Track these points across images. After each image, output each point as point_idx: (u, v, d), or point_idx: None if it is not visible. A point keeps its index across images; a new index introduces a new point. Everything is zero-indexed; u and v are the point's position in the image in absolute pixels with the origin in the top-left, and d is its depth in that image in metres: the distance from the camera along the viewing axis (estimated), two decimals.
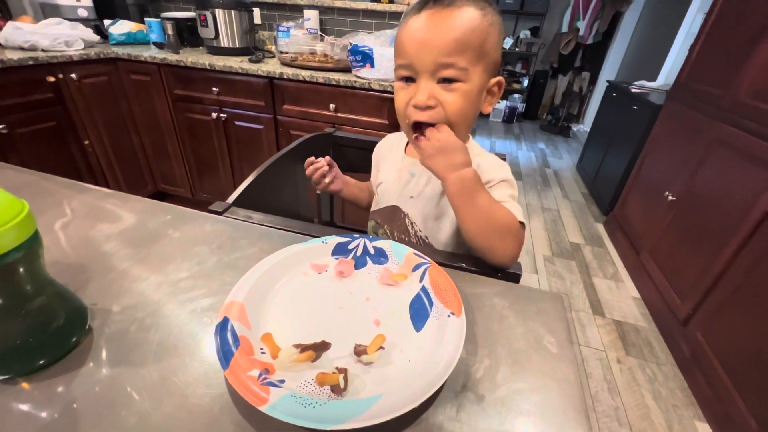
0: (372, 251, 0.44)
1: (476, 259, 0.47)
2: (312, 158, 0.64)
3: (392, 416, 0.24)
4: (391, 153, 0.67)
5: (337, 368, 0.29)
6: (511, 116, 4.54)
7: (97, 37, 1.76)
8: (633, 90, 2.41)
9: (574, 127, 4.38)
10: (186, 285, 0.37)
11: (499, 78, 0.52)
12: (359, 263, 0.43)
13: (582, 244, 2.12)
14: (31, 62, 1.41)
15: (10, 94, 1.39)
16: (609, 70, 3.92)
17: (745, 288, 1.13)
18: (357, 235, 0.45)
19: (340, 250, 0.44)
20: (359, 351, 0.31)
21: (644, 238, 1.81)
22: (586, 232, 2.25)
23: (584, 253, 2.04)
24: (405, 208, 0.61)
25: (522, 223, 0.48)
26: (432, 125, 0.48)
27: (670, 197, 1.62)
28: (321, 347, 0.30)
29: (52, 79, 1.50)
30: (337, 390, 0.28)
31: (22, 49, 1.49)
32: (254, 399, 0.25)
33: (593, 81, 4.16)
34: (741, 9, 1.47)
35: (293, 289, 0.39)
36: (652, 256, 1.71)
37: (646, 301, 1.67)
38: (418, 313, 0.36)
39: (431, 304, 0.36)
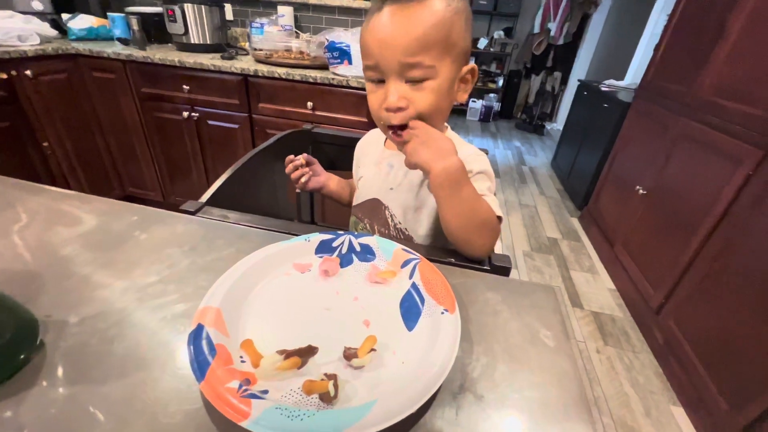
0: (358, 248, 0.42)
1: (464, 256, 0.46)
2: (291, 156, 0.62)
3: (388, 424, 0.22)
4: (371, 147, 0.66)
5: (325, 374, 0.27)
6: (487, 115, 4.62)
7: (54, 32, 1.65)
8: (603, 89, 2.49)
9: (548, 126, 4.50)
10: (155, 290, 0.34)
11: (472, 65, 0.51)
12: (345, 261, 0.41)
13: (559, 238, 2.17)
14: None
15: None
16: (579, 70, 4.05)
17: (713, 276, 1.19)
18: (342, 232, 0.43)
19: (324, 248, 0.42)
20: (349, 355, 0.29)
21: (617, 231, 1.87)
22: (562, 227, 2.31)
23: (561, 247, 2.09)
24: (385, 200, 0.60)
25: (499, 217, 0.48)
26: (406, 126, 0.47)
27: (641, 191, 1.68)
28: (307, 352, 0.28)
29: (4, 76, 1.39)
30: (327, 398, 0.25)
31: None
32: (234, 414, 0.23)
33: (565, 80, 4.29)
34: (701, 9, 1.54)
35: (274, 291, 0.36)
36: (625, 248, 1.77)
37: (621, 291, 1.72)
38: (410, 311, 0.34)
39: (423, 301, 0.35)
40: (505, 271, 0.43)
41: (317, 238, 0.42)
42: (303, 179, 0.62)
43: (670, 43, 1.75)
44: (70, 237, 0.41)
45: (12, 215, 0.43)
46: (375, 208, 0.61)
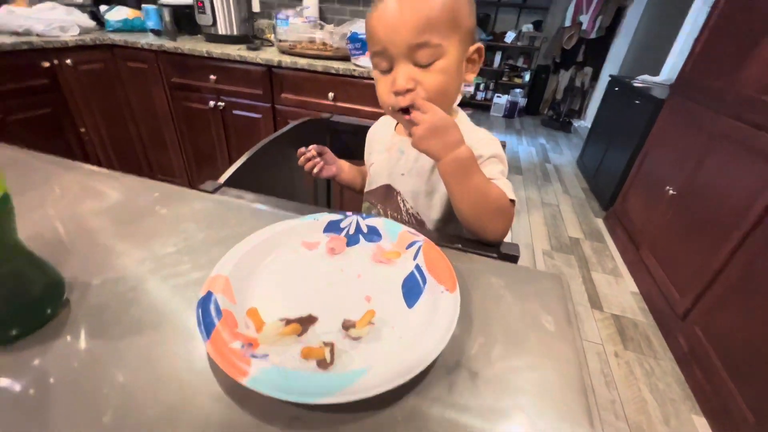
0: (365, 229, 0.43)
1: (473, 241, 0.46)
2: (302, 149, 0.63)
3: (380, 390, 0.23)
4: (381, 133, 0.66)
5: (323, 342, 0.28)
6: (512, 111, 4.51)
7: (92, 23, 1.73)
8: (635, 84, 2.38)
9: (576, 123, 4.35)
10: (171, 260, 0.36)
11: (478, 45, 0.50)
12: (352, 241, 0.42)
13: (581, 239, 2.11)
14: (25, 47, 1.39)
15: (4, 80, 1.37)
16: (611, 65, 3.88)
17: (745, 282, 1.12)
18: (350, 213, 0.44)
19: (332, 228, 0.43)
20: (348, 325, 0.30)
21: (644, 233, 1.79)
22: (585, 227, 2.24)
23: (583, 248, 2.03)
24: (397, 186, 0.60)
25: (512, 200, 0.48)
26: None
27: (671, 192, 1.60)
28: (307, 321, 0.29)
29: (47, 64, 1.48)
30: (323, 364, 0.27)
31: (16, 34, 1.46)
32: (234, 371, 0.24)
33: (595, 76, 4.13)
34: (747, 1, 1.44)
35: (282, 266, 0.37)
36: (651, 251, 1.70)
37: (645, 295, 1.66)
38: (411, 290, 0.35)
39: (425, 281, 0.35)
40: (513, 259, 0.42)
41: (326, 217, 0.43)
42: (315, 169, 0.63)
43: (711, 35, 1.65)
44: (98, 210, 0.43)
45: (48, 189, 0.47)
46: (387, 193, 0.62)
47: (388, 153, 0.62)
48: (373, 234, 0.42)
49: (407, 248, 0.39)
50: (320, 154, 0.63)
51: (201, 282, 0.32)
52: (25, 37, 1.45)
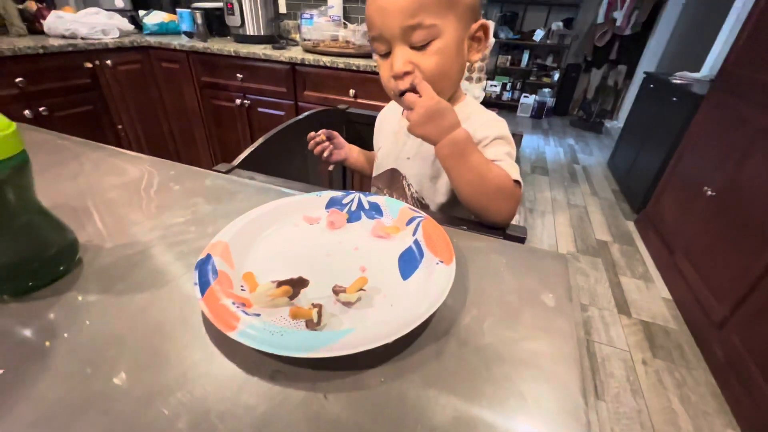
0: (366, 206, 0.43)
1: (479, 224, 0.45)
2: (312, 133, 0.64)
3: (363, 348, 0.23)
4: (389, 118, 0.67)
5: (312, 304, 0.28)
6: (540, 111, 4.38)
7: (131, 27, 1.84)
8: (673, 81, 2.26)
9: (608, 124, 4.17)
10: (178, 230, 0.38)
11: (482, 21, 0.49)
12: (353, 217, 0.42)
13: (610, 241, 2.02)
14: (70, 49, 1.50)
15: (51, 79, 1.48)
16: (647, 63, 3.69)
17: None
18: (353, 191, 0.44)
19: (333, 204, 0.43)
20: (338, 290, 0.30)
21: (679, 237, 1.69)
22: (614, 229, 2.14)
23: (612, 251, 1.94)
24: (403, 170, 0.60)
25: (517, 181, 0.46)
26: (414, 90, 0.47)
27: (709, 192, 1.50)
28: (299, 283, 0.30)
29: (89, 65, 1.59)
30: (311, 325, 0.27)
31: (63, 37, 1.58)
32: (223, 325, 0.25)
33: (629, 74, 3.94)
34: None
35: (282, 237, 0.38)
36: (686, 255, 1.60)
37: (678, 302, 1.56)
38: (408, 264, 0.34)
39: (422, 255, 0.35)
40: (520, 241, 0.41)
41: (328, 194, 0.44)
42: (325, 153, 0.64)
43: (757, 26, 1.54)
44: (118, 184, 0.46)
45: (75, 165, 0.50)
46: (393, 177, 0.61)
47: (395, 137, 0.62)
48: (375, 211, 0.43)
49: (407, 224, 0.39)
50: (329, 139, 0.64)
51: (203, 248, 0.33)
52: (70, 39, 1.56)
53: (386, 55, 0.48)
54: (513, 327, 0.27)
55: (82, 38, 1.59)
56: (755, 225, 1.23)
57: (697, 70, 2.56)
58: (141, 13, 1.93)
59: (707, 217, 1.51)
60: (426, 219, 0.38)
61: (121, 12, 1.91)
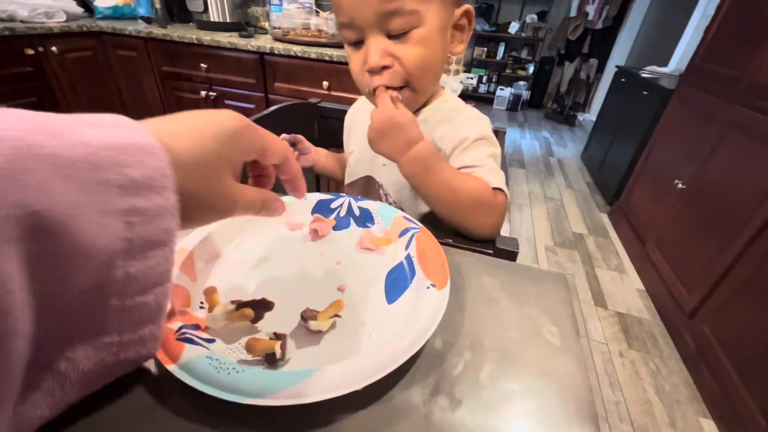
0: (357, 212, 0.38)
1: (467, 237, 0.40)
2: None
3: (318, 399, 0.19)
4: (360, 119, 0.60)
5: (275, 333, 0.23)
6: (515, 104, 4.42)
7: (80, 10, 1.68)
8: (643, 75, 2.31)
9: (580, 116, 4.26)
10: None
11: (466, 7, 0.43)
12: (342, 224, 0.38)
13: (585, 234, 2.05)
14: (7, 33, 1.34)
15: None
16: (618, 57, 3.78)
17: (757, 279, 1.07)
18: (343, 194, 0.40)
19: (321, 208, 0.39)
20: (308, 316, 0.25)
21: (651, 229, 1.73)
22: (590, 222, 2.18)
23: (587, 243, 1.97)
24: (378, 177, 0.54)
25: (499, 189, 0.42)
26: (397, 88, 0.42)
27: (679, 185, 1.54)
28: (261, 306, 0.25)
29: (31, 51, 1.43)
30: (272, 360, 0.22)
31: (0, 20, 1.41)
32: (163, 355, 0.21)
33: (601, 68, 4.03)
34: None
35: (257, 245, 0.34)
36: (658, 246, 1.64)
37: (651, 293, 1.60)
38: (396, 283, 0.30)
39: (413, 274, 0.30)
40: (511, 255, 0.37)
41: (315, 196, 0.39)
42: None
43: (724, 22, 1.58)
44: None
45: None
46: (368, 185, 0.56)
47: (367, 141, 0.56)
48: (366, 218, 0.38)
49: (400, 236, 0.35)
50: (294, 144, 0.57)
51: None
52: (8, 23, 1.39)
53: (358, 44, 0.41)
54: (515, 376, 0.23)
55: (22, 21, 1.43)
56: (723, 217, 1.26)
57: (665, 64, 2.63)
58: None
59: (678, 209, 1.55)
60: (421, 231, 0.34)
61: None
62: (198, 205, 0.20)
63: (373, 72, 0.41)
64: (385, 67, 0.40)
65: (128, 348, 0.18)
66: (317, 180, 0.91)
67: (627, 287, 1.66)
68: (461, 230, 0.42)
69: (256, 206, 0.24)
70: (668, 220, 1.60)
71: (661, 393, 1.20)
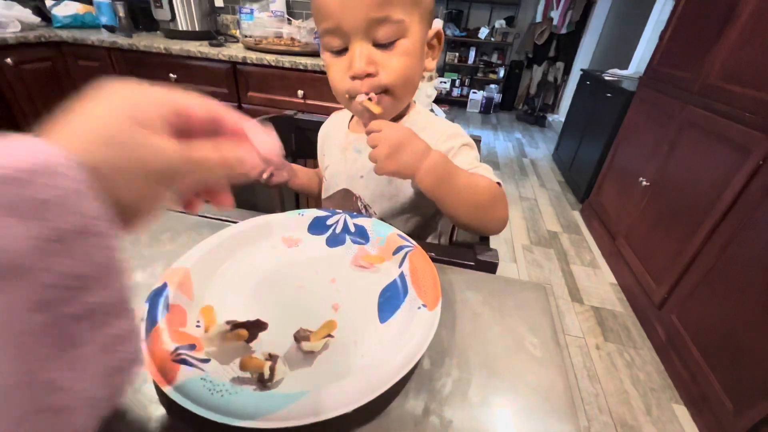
0: (352, 229, 0.39)
1: (446, 248, 0.41)
2: None
3: (308, 421, 0.19)
4: (334, 132, 0.60)
5: (269, 354, 0.24)
6: (488, 107, 4.54)
7: (37, 19, 1.60)
8: (606, 78, 2.42)
9: (550, 117, 4.42)
10: None
11: (437, 28, 0.45)
12: (337, 241, 0.38)
13: (560, 232, 2.12)
14: None
15: None
16: (582, 60, 3.96)
17: (718, 270, 1.14)
18: (339, 211, 0.41)
19: (317, 225, 0.39)
20: (301, 336, 0.26)
21: (619, 224, 1.82)
22: (563, 220, 2.26)
23: (562, 240, 2.04)
24: (356, 190, 0.54)
25: (498, 183, 0.44)
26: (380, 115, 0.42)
27: (644, 182, 1.62)
28: (255, 326, 0.25)
29: None
30: (261, 380, 0.23)
31: None
32: (159, 376, 0.21)
33: (567, 71, 4.20)
34: None
35: (253, 262, 0.34)
36: (627, 241, 1.72)
37: (623, 286, 1.68)
38: (389, 302, 0.31)
39: (405, 293, 0.31)
40: (491, 267, 0.38)
41: (312, 213, 0.40)
42: (264, 175, 0.56)
43: (676, 28, 1.68)
44: None
45: None
46: (346, 199, 0.56)
47: (343, 154, 0.56)
48: (361, 235, 0.39)
49: (394, 254, 0.35)
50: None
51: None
52: None
53: (341, 51, 0.41)
54: (502, 390, 0.24)
55: None
56: (685, 211, 1.34)
57: (626, 67, 2.77)
58: (49, 3, 1.68)
59: (643, 205, 1.63)
60: (415, 249, 0.34)
61: (23, 2, 1.64)
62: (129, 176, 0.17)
63: (356, 77, 0.41)
64: (368, 75, 0.40)
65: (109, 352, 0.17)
66: (296, 195, 0.91)
67: (600, 282, 1.73)
68: (480, 229, 0.43)
69: (212, 159, 0.20)
70: (635, 215, 1.68)
71: (636, 383, 1.25)
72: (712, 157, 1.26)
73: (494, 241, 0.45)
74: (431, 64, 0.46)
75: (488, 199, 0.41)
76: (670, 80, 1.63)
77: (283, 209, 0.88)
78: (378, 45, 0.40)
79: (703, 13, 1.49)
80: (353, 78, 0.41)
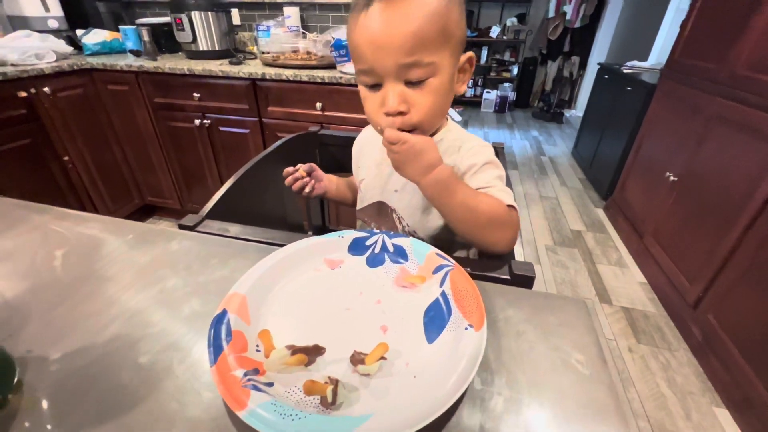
0: (391, 249, 0.40)
1: (478, 262, 0.42)
2: (289, 169, 0.59)
3: None
4: (369, 147, 0.62)
5: (329, 378, 0.25)
6: (502, 106, 4.49)
7: (70, 48, 1.69)
8: (625, 71, 2.36)
9: (567, 113, 4.33)
10: (141, 319, 0.32)
11: (469, 54, 0.47)
12: (377, 261, 0.40)
13: (583, 231, 2.08)
14: None
15: None
16: (598, 53, 3.87)
17: (757, 266, 1.09)
18: (377, 231, 0.42)
19: (357, 246, 0.41)
20: (356, 360, 0.27)
21: (647, 221, 1.76)
22: (586, 218, 2.21)
23: (586, 240, 1.99)
24: (391, 203, 0.57)
25: (512, 206, 0.45)
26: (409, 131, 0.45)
27: (671, 177, 1.57)
28: (314, 351, 0.27)
29: (23, 94, 1.43)
30: (325, 403, 0.24)
31: None
32: (233, 402, 0.23)
33: (583, 65, 4.11)
34: None
35: (301, 285, 0.36)
36: (656, 239, 1.67)
37: (653, 285, 1.63)
38: (434, 321, 0.32)
39: (449, 312, 0.32)
40: (527, 281, 0.38)
41: (351, 235, 0.42)
42: (306, 189, 0.59)
43: (698, 17, 1.63)
44: (62, 261, 0.39)
45: (6, 239, 0.42)
46: (381, 211, 0.58)
47: (378, 168, 0.58)
48: (399, 254, 0.40)
49: (434, 273, 0.36)
50: (309, 173, 0.59)
51: (177, 346, 0.28)
52: None
53: (375, 86, 0.44)
54: (553, 408, 0.24)
55: (13, 65, 1.44)
56: (717, 207, 1.29)
57: (645, 59, 2.69)
58: (79, 32, 1.77)
59: (672, 201, 1.58)
60: (455, 269, 0.35)
61: (56, 33, 1.75)
62: None
63: (389, 114, 0.43)
64: (400, 113, 0.43)
65: None
66: (321, 204, 0.93)
67: (629, 281, 1.68)
68: (481, 246, 0.45)
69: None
70: (663, 212, 1.63)
71: (674, 386, 1.21)
72: (744, 150, 1.21)
73: (516, 244, 0.46)
74: (462, 88, 0.48)
75: (486, 221, 0.43)
76: (695, 72, 1.58)
77: (310, 220, 0.90)
78: (409, 83, 0.42)
79: (727, 0, 1.44)
80: (387, 114, 0.43)
